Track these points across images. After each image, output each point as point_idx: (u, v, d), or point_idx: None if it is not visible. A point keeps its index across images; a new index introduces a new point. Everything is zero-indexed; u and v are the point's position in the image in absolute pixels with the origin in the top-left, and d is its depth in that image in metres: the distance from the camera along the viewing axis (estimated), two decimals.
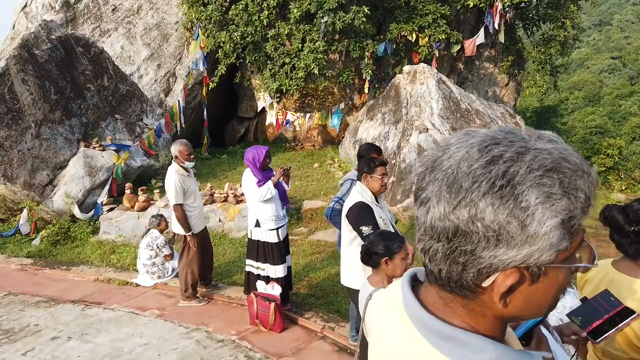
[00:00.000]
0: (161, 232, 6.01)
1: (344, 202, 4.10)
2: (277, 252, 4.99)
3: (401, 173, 8.61)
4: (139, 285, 5.94)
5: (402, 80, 10.58)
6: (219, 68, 12.44)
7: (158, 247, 5.90)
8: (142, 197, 8.30)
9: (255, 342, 4.55)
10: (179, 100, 11.56)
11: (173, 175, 5.17)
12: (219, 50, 12.23)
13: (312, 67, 10.60)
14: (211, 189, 8.41)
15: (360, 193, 3.56)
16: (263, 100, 12.90)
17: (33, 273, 6.55)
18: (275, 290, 4.80)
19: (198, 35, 12.24)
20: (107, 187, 8.73)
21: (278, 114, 12.88)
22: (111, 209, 8.55)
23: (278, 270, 5.00)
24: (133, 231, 7.93)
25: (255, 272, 5.06)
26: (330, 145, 13.96)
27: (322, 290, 6.00)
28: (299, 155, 13.31)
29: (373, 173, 3.56)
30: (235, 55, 12.01)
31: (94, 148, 8.93)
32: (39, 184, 8.15)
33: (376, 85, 12.31)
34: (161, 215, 6.17)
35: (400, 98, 10.37)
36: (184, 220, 5.20)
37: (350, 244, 3.57)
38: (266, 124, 13.45)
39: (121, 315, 5.17)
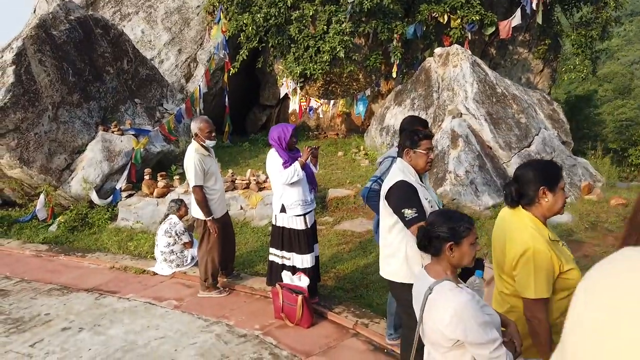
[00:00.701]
0: (180, 218, 5.64)
1: (382, 182, 3.63)
2: (304, 240, 4.56)
3: (432, 160, 8.08)
4: (156, 274, 5.58)
5: (432, 63, 10.01)
6: (240, 53, 12.03)
7: (177, 234, 5.53)
8: (161, 183, 7.97)
9: (280, 338, 4.13)
10: (199, 86, 11.20)
11: (192, 155, 4.78)
12: (241, 34, 11.81)
13: (338, 49, 10.10)
14: (232, 175, 8.02)
15: (402, 171, 3.08)
16: (286, 86, 12.46)
17: (48, 259, 6.26)
18: (303, 281, 4.37)
19: (220, 19, 11.85)
20: (125, 173, 8.42)
21: (301, 100, 12.42)
22: (130, 195, 8.23)
23: (305, 260, 4.57)
24: (152, 218, 7.60)
25: (280, 261, 4.64)
26: (354, 134, 13.47)
27: (350, 283, 5.56)
28: (323, 144, 12.84)
29: (417, 147, 3.08)
30: (257, 39, 11.57)
31: (113, 132, 8.63)
32: (56, 169, 7.87)
33: (404, 70, 11.73)
34: (181, 200, 5.80)
35: (431, 82, 9.81)
36: (204, 204, 4.80)
37: (391, 230, 3.10)
38: (289, 111, 13.01)
39: (136, 306, 4.81)
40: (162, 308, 4.76)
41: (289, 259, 4.59)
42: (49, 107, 7.96)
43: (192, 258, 5.65)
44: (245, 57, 12.12)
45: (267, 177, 8.12)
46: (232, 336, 4.20)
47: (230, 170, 8.28)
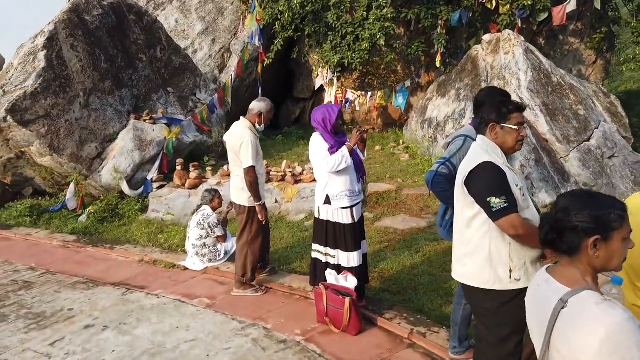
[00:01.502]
0: (214, 210, 5.20)
1: (453, 165, 3.07)
2: (351, 235, 4.03)
3: None
4: (187, 268, 5.16)
5: (480, 51, 9.32)
6: (275, 43, 11.58)
7: (210, 227, 5.08)
8: (193, 174, 7.58)
9: (325, 346, 3.62)
10: (231, 75, 10.80)
11: (247, 133, 4.36)
12: (276, 23, 11.36)
13: (378, 37, 9.51)
14: (267, 167, 7.55)
15: (485, 150, 2.50)
16: (322, 77, 11.95)
17: (75, 251, 5.93)
18: (350, 282, 3.84)
19: (255, 7, 11.42)
20: (157, 163, 8.07)
21: (337, 92, 11.89)
22: (161, 186, 7.88)
23: (352, 258, 4.04)
24: (183, 210, 7.22)
25: (324, 259, 4.12)
26: (391, 128, 12.86)
27: (397, 285, 5.01)
28: None
29: (506, 121, 2.49)
30: (293, 28, 11.10)
31: (145, 121, 8.29)
32: (86, 157, 7.59)
33: (447, 60, 11.05)
34: (215, 191, 5.36)
35: (479, 71, 9.12)
36: (257, 187, 4.38)
37: (470, 223, 2.53)
38: (324, 103, 12.49)
39: (166, 303, 4.38)
40: (193, 306, 4.32)
41: (334, 256, 4.08)
42: (81, 93, 7.68)
43: (226, 253, 5.20)
44: (279, 47, 11.67)
45: (303, 170, 7.62)
46: (270, 341, 3.71)
47: (264, 162, 7.81)
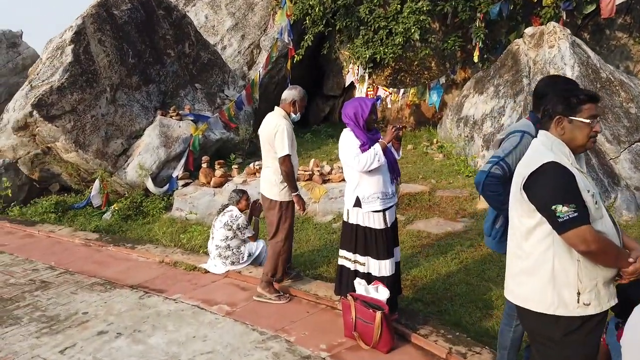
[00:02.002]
0: (241, 211, 4.91)
1: (508, 165, 2.65)
2: (382, 242, 3.65)
3: None
4: (208, 271, 4.88)
5: (522, 45, 8.75)
6: (305, 38, 11.28)
7: (239, 229, 4.79)
8: (218, 172, 7.33)
9: None
10: (259, 71, 10.54)
11: (282, 121, 4.07)
12: (307, 18, 11.05)
13: (412, 31, 9.06)
14: None
15: (549, 148, 2.08)
16: (352, 73, 11.57)
17: (96, 249, 5.75)
18: (381, 293, 3.47)
19: (285, 2, 11.14)
20: (183, 160, 7.86)
21: (368, 89, 11.49)
22: (186, 184, 7.68)
23: (384, 267, 3.66)
24: (207, 209, 6.97)
25: (352, 267, 3.76)
26: (424, 127, 12.37)
27: (431, 294, 4.60)
28: None
29: (575, 114, 2.06)
30: (324, 23, 10.77)
31: (171, 117, 8.11)
32: (112, 153, 7.44)
33: (485, 56, 10.49)
34: (243, 192, 5.06)
35: (520, 66, 8.56)
36: (293, 177, 4.09)
37: (530, 234, 2.11)
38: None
39: (183, 310, 4.10)
40: (211, 314, 4.03)
41: (364, 264, 3.71)
42: (107, 89, 7.54)
43: (249, 255, 4.90)
44: (310, 43, 11.36)
45: (331, 169, 7.27)
46: (292, 357, 3.38)
47: (312, 160, 7.49)
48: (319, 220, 6.75)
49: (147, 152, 7.57)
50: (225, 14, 12.11)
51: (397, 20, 9.47)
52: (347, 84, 11.75)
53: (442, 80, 10.88)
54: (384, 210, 3.66)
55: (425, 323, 3.75)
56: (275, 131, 4.03)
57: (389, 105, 11.50)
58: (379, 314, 3.25)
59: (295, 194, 4.08)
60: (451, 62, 12.34)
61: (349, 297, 3.50)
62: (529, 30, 8.70)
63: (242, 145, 9.02)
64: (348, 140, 3.64)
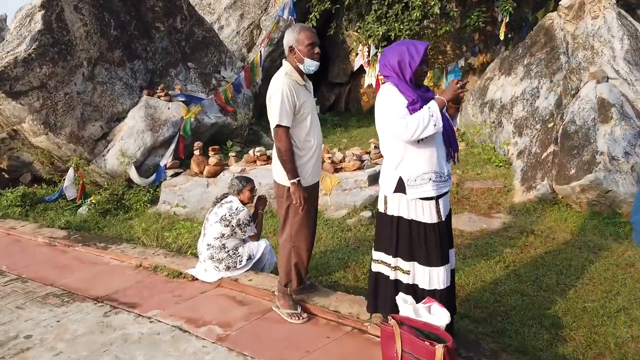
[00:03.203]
0: (243, 204, 3.82)
1: None
2: (435, 241, 2.59)
3: (569, 138, 5.86)
4: (197, 279, 3.82)
5: (556, 19, 7.68)
6: (310, 18, 10.20)
7: (239, 225, 3.71)
8: (213, 159, 6.25)
9: None
10: (260, 51, 9.46)
11: (280, 80, 2.95)
12: None
13: (432, 4, 7.99)
14: None
15: None
16: (362, 55, 10.50)
17: (61, 250, 4.67)
18: (439, 316, 2.40)
19: None
20: (172, 147, 6.80)
21: (379, 72, 10.41)
22: (176, 174, 6.60)
23: (436, 277, 2.60)
24: (199, 202, 5.91)
25: (392, 275, 2.70)
26: None
27: (480, 308, 3.56)
28: None
29: None
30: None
31: (159, 97, 7.03)
32: (89, 138, 6.37)
33: (509, 35, 9.44)
34: (248, 179, 3.92)
35: (556, 42, 7.49)
36: (289, 157, 2.95)
37: None
38: (364, 86, 11.05)
39: (160, 333, 3.03)
40: (198, 339, 2.96)
41: (408, 272, 2.64)
42: (84, 63, 6.46)
43: (249, 258, 3.81)
44: (314, 24, 10.27)
45: (344, 156, 6.20)
46: None
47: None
48: (330, 215, 5.69)
49: (130, 137, 6.51)
50: None
51: None
52: (355, 68, 10.68)
53: (462, 62, 9.82)
54: (437, 198, 2.60)
55: (496, 357, 2.68)
56: (271, 94, 2.96)
57: None
58: (439, 348, 2.19)
59: (293, 181, 2.97)
60: (468, 45, 11.30)
61: (392, 322, 2.44)
62: (565, 2, 7.63)
63: (241, 131, 7.95)
64: (390, 97, 2.57)
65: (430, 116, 2.42)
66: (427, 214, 2.58)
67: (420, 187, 2.56)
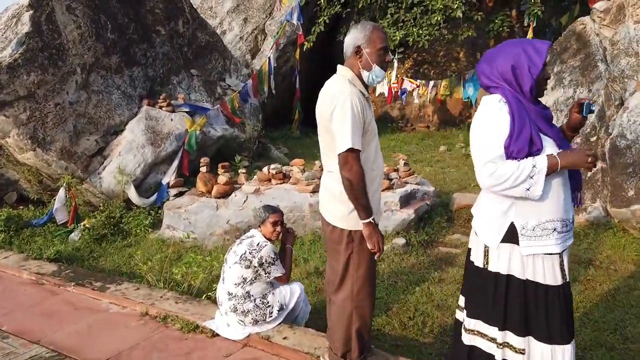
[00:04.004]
0: (268, 239, 3.11)
1: None
2: (560, 309, 1.93)
3: (621, 155, 5.25)
4: (217, 334, 3.10)
5: (590, 24, 7.10)
6: (319, 22, 9.57)
7: (262, 265, 3.00)
8: (222, 177, 5.54)
9: None
10: (269, 58, 8.80)
11: (346, 89, 2.25)
12: None
13: (455, 6, 7.38)
14: (320, 168, 5.46)
15: None
16: None
17: (50, 290, 3.93)
18: None
19: None
20: (175, 163, 6.08)
21: (392, 81, 9.79)
22: (179, 194, 5.89)
23: (562, 359, 1.94)
24: (209, 227, 5.19)
25: (499, 354, 2.02)
26: (449, 127, 10.73)
27: None
28: (413, 137, 10.18)
29: None
30: (341, 2, 9.06)
31: (161, 108, 6.32)
32: (83, 154, 5.63)
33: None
34: (274, 209, 3.19)
35: (591, 49, 6.90)
36: (363, 190, 2.24)
37: None
38: (374, 95, 10.41)
39: None
40: None
41: (523, 351, 1.97)
42: (78, 69, 5.74)
43: (281, 308, 3.10)
44: (322, 28, 9.66)
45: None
46: None
47: (317, 162, 5.72)
48: None
49: (129, 152, 5.78)
50: None
51: None
52: None
53: None
54: (560, 254, 1.93)
55: None
56: (333, 107, 2.25)
57: (416, 100, 9.80)
58: None
59: (368, 220, 2.29)
60: (482, 52, 10.73)
61: None
62: (599, 5, 7.05)
63: (249, 144, 7.25)
64: (489, 123, 1.90)
65: (529, 176, 1.78)
66: (549, 274, 1.91)
67: (540, 240, 1.89)
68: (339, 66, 2.42)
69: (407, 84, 9.67)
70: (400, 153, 8.71)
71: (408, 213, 5.02)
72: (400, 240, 4.83)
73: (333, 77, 2.40)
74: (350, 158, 2.20)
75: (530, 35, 7.87)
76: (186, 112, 6.48)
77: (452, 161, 7.87)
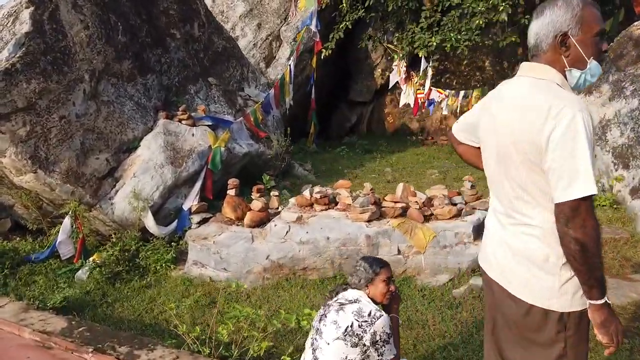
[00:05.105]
0: (377, 303, 2.28)
1: None
2: None
3: None
4: None
5: None
6: (339, 27, 8.84)
7: (375, 343, 2.16)
8: (257, 203, 4.71)
9: None
10: (290, 66, 8.04)
11: (570, 98, 1.46)
12: (343, 1, 8.63)
13: (501, 9, 6.69)
14: (371, 192, 4.66)
15: None
16: (397, 71, 9.16)
17: (61, 358, 3.06)
18: None
19: None
20: (198, 184, 5.25)
21: (419, 91, 9.09)
22: (204, 221, 5.06)
23: None
24: (245, 264, 4.36)
25: None
26: None
27: None
28: (438, 151, 9.44)
29: None
30: (365, 6, 8.34)
31: (180, 121, 5.49)
32: (91, 175, 4.78)
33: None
34: (383, 263, 2.31)
35: None
36: (599, 257, 1.45)
37: None
38: (400, 106, 9.69)
39: None
40: None
41: None
42: (86, 76, 4.90)
43: None
44: (341, 35, 8.94)
45: (430, 199, 4.73)
46: None
47: (366, 185, 4.89)
48: (427, 282, 4.20)
49: (145, 173, 4.94)
50: None
51: None
52: (392, 83, 9.30)
53: None
54: None
55: None
56: (552, 128, 1.44)
57: (445, 112, 9.08)
58: None
59: (602, 301, 1.49)
60: (510, 61, 10.10)
61: None
62: None
63: (276, 162, 6.44)
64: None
65: None
66: None
67: None
68: (528, 64, 1.63)
69: (435, 94, 8.96)
70: (435, 170, 7.97)
71: None
72: (479, 281, 4.04)
73: (525, 80, 1.61)
74: (584, 209, 1.41)
75: None
76: (208, 125, 5.66)
77: None
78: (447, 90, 8.87)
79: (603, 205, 5.61)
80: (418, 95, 9.05)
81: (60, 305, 3.83)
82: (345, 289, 2.38)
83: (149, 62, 5.70)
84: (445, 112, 9.12)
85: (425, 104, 9.09)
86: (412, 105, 9.21)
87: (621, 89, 6.45)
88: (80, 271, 4.48)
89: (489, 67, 10.31)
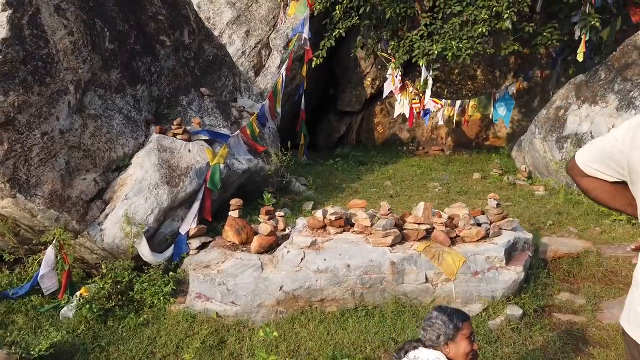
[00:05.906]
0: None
1: None
2: None
3: None
4: None
5: None
6: (329, 35, 8.49)
7: None
8: (265, 227, 4.27)
9: None
10: (282, 74, 7.64)
11: None
12: (337, 8, 8.29)
13: (505, 16, 6.47)
14: (389, 212, 4.28)
15: None
16: (392, 80, 8.86)
17: None
18: None
19: None
20: (196, 205, 4.77)
21: (414, 100, 8.82)
22: (203, 245, 4.59)
23: None
24: (255, 296, 3.90)
25: None
26: (465, 150, 9.83)
27: None
28: (433, 161, 9.16)
29: None
30: (361, 12, 8.02)
31: (174, 135, 5.01)
32: (78, 198, 4.24)
33: (569, 58, 8.12)
34: (464, 316, 1.96)
35: None
36: None
37: None
38: (395, 114, 9.39)
39: None
40: None
41: None
42: (70, 88, 4.37)
43: None
44: (333, 43, 8.60)
45: (452, 219, 4.38)
46: None
47: (383, 204, 4.49)
48: None
49: (138, 194, 4.43)
50: (224, 3, 9.14)
51: (476, 4, 6.86)
52: (385, 92, 9.00)
53: (512, 89, 8.36)
54: None
55: None
56: None
57: (441, 122, 8.83)
58: None
59: None
60: (502, 70, 9.96)
61: None
62: None
63: (275, 177, 6.01)
64: None
65: None
66: None
67: None
68: None
69: (431, 104, 8.70)
70: (436, 182, 7.68)
71: (517, 271, 3.92)
72: (516, 310, 3.72)
73: None
74: None
75: (581, 49, 7.06)
76: (204, 139, 5.20)
77: (500, 192, 6.86)
78: (443, 100, 8.63)
79: (618, 220, 5.41)
80: (413, 105, 8.76)
81: (47, 351, 3.30)
82: (416, 347, 1.99)
83: (138, 72, 5.20)
84: (440, 122, 8.87)
85: (421, 114, 8.83)
86: (407, 116, 8.92)
87: (630, 99, 6.31)
88: (65, 308, 3.94)
89: (481, 76, 10.14)
